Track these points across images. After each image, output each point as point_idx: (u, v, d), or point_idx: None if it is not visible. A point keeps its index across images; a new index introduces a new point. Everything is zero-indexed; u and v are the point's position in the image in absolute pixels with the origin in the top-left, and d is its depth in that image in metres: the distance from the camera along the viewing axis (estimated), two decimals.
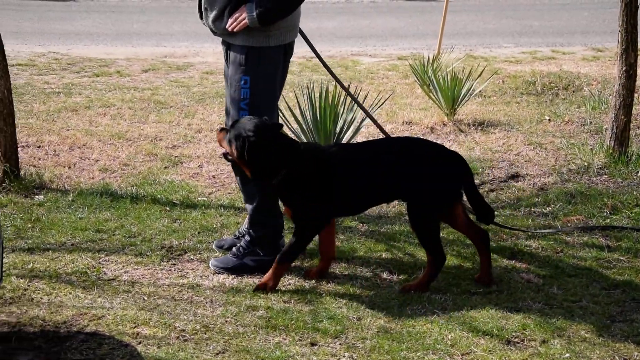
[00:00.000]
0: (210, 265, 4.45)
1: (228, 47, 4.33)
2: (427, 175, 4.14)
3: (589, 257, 4.63)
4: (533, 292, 4.23)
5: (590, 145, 6.39)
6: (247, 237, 4.47)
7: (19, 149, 5.60)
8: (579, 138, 6.66)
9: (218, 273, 4.38)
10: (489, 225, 4.44)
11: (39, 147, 6.27)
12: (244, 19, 4.13)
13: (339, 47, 10.81)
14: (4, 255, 4.06)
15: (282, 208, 4.34)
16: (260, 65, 4.21)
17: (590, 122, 7.03)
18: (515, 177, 5.89)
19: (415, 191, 4.15)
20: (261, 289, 4.15)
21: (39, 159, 6.02)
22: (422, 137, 4.16)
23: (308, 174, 4.12)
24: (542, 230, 4.96)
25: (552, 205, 5.36)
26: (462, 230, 4.34)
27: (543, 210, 5.31)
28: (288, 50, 4.38)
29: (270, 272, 4.17)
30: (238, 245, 4.48)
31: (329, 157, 4.16)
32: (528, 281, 4.35)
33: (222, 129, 4.18)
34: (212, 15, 4.27)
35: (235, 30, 4.16)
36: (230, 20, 4.17)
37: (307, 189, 4.13)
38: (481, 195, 4.39)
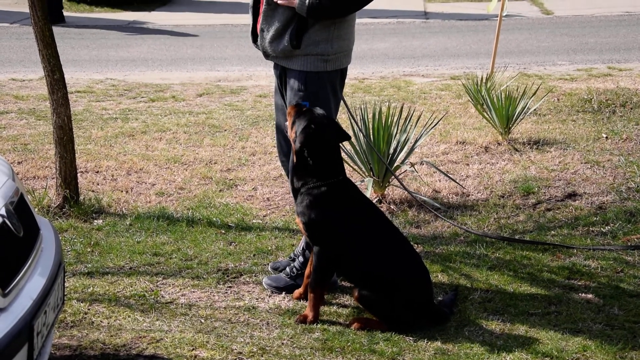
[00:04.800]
0: (263, 282, 4.48)
1: (283, 72, 4.35)
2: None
3: None
4: (593, 312, 4.16)
5: None
6: (300, 259, 4.48)
7: (78, 175, 5.71)
8: (638, 155, 6.54)
9: (270, 291, 4.41)
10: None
11: (97, 172, 6.39)
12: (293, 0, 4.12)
13: (391, 67, 10.82)
14: (65, 279, 4.13)
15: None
16: (318, 90, 4.23)
17: None
18: (572, 196, 5.81)
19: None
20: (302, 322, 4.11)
21: (98, 184, 6.13)
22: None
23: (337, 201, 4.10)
24: (601, 247, 4.88)
25: (612, 224, 5.27)
26: None
27: (602, 229, 5.22)
28: (343, 74, 4.39)
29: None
30: (292, 265, 4.50)
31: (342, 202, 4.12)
32: (588, 301, 4.28)
33: (296, 105, 4.14)
34: (268, 35, 4.28)
35: (280, 3, 4.14)
36: None
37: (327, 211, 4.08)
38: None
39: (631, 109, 7.98)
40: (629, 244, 4.98)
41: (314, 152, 4.04)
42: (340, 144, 4.29)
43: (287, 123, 4.16)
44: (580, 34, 13.10)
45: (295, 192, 4.24)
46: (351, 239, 4.06)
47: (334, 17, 4.20)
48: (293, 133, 4.07)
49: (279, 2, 4.16)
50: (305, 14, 4.12)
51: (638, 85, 9.14)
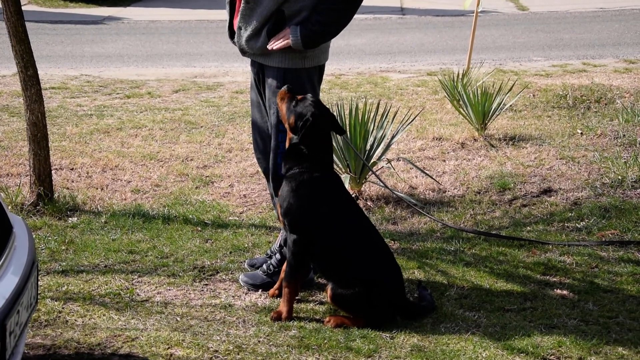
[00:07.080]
0: (239, 280, 4.47)
1: (260, 69, 4.33)
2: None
3: (624, 272, 4.57)
4: (568, 308, 4.18)
5: (624, 159, 6.32)
6: (277, 256, 4.47)
7: (53, 172, 5.66)
8: (612, 151, 6.59)
9: (247, 289, 4.40)
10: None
11: (72, 169, 6.34)
12: (287, 39, 4.12)
13: (368, 63, 10.82)
14: (39, 277, 4.10)
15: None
16: (296, 87, 4.22)
17: (624, 135, 6.96)
18: (547, 191, 5.84)
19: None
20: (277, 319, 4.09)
21: (72, 181, 6.08)
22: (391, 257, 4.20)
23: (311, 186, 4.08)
24: (576, 243, 4.91)
25: (586, 220, 5.30)
26: None
27: (577, 225, 5.25)
28: (321, 70, 4.39)
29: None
30: (269, 262, 4.49)
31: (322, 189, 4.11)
32: (563, 297, 4.31)
33: (289, 90, 4.11)
34: (246, 34, 4.25)
35: (275, 48, 4.15)
36: (272, 40, 4.15)
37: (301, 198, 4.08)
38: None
39: (605, 104, 8.04)
40: (604, 239, 5.02)
41: (309, 143, 4.04)
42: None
43: (280, 107, 4.12)
44: (556, 30, 13.18)
45: (277, 185, 4.23)
46: (328, 229, 4.05)
47: (329, 38, 4.22)
48: (292, 121, 4.05)
49: (274, 47, 4.14)
50: (303, 46, 4.11)
51: (612, 81, 9.21)
